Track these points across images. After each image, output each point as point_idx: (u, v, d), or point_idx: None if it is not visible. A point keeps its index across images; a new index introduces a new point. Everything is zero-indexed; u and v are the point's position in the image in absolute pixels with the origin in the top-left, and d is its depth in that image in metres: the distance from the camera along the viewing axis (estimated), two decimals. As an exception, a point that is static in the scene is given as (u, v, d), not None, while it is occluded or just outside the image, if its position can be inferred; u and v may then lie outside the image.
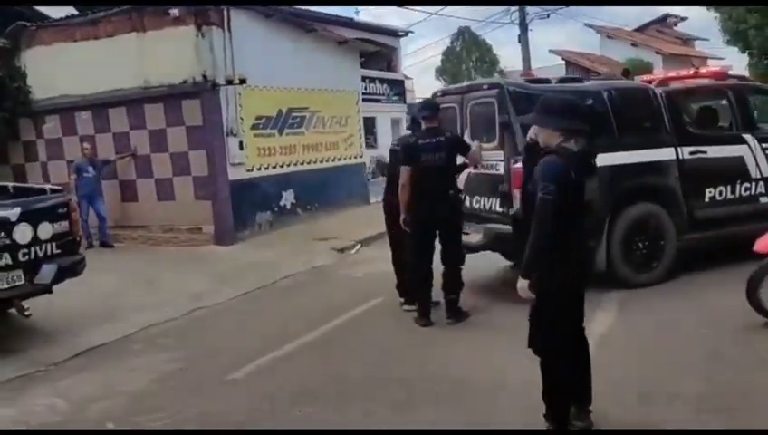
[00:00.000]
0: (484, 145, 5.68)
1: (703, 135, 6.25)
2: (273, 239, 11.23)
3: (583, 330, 3.56)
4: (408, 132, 6.20)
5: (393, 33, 22.30)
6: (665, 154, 6.00)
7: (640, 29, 40.18)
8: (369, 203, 14.67)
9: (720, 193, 6.22)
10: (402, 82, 24.37)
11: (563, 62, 33.59)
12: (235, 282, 8.36)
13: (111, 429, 4.34)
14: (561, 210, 3.12)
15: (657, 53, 35.50)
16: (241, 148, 11.09)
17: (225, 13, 10.64)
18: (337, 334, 5.99)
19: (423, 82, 60.03)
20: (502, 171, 5.74)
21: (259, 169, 11.65)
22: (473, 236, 6.15)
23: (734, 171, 6.29)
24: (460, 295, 5.83)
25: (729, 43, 32.24)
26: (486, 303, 6.27)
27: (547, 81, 6.04)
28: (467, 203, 5.89)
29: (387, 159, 21.93)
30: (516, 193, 5.56)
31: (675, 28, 42.04)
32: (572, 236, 3.28)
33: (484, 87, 5.82)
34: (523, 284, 3.26)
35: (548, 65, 29.25)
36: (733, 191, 6.27)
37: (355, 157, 14.27)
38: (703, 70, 6.62)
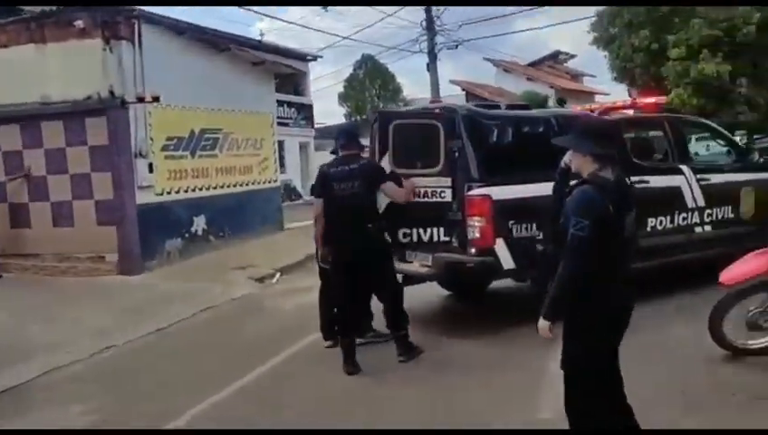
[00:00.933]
0: (420, 171, 5.41)
1: (645, 165, 6.30)
2: (184, 268, 10.48)
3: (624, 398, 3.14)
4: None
5: (301, 57, 22.02)
6: (610, 184, 5.97)
7: (534, 64, 42.01)
8: (284, 229, 14.19)
9: (660, 223, 6.29)
10: (311, 106, 24.13)
11: (463, 92, 34.55)
12: (147, 316, 7.63)
13: (111, 429, 4.26)
14: (596, 249, 2.80)
15: (551, 87, 37.28)
16: (150, 170, 10.34)
17: (136, 27, 9.93)
18: (277, 378, 5.44)
19: (322, 108, 60.09)
20: (449, 198, 5.48)
21: (169, 192, 10.90)
22: (417, 266, 5.84)
23: (673, 201, 6.39)
24: (408, 330, 5.45)
25: (617, 80, 34.46)
26: (435, 337, 5.94)
27: (497, 106, 5.89)
28: (405, 233, 5.46)
29: (294, 184, 21.50)
30: (476, 221, 5.32)
31: (565, 64, 44.42)
32: (610, 279, 2.93)
33: (437, 111, 5.56)
34: (544, 324, 2.95)
35: (449, 95, 29.88)
36: (672, 221, 6.36)
37: (270, 181, 13.74)
38: (640, 101, 6.72)
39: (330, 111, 58.95)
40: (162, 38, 10.74)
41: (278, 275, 10.02)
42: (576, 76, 44.03)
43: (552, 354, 4.43)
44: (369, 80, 40.15)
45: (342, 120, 41.14)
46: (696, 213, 6.51)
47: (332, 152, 5.76)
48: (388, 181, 5.08)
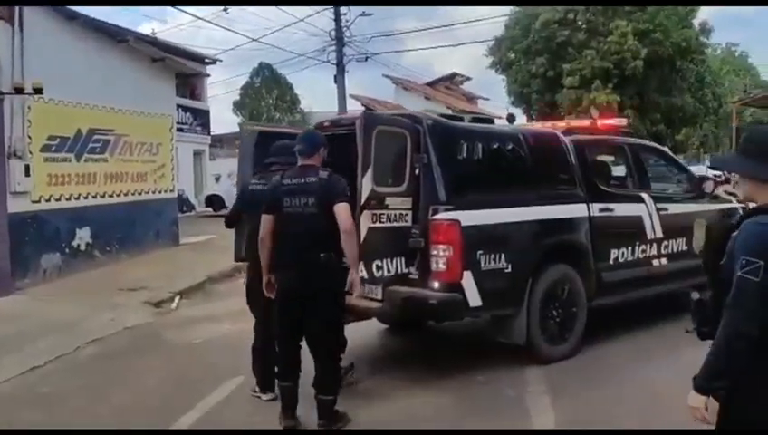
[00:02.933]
0: (384, 190, 4.50)
1: (608, 191, 5.82)
2: (64, 289, 8.99)
3: None
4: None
5: (200, 58, 20.67)
6: (579, 210, 5.44)
7: (431, 84, 42.41)
8: (179, 244, 12.86)
9: (622, 254, 5.82)
10: (207, 112, 22.72)
11: (363, 107, 34.19)
12: (14, 351, 6.21)
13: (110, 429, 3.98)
14: None
15: (448, 107, 37.62)
16: (27, 173, 8.86)
17: (17, 8, 8.48)
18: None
19: (214, 115, 57.36)
20: (409, 222, 4.66)
21: (48, 200, 9.42)
22: (361, 299, 4.93)
23: (635, 232, 5.95)
24: (337, 397, 4.29)
25: (514, 104, 35.43)
26: (374, 385, 5.06)
27: (460, 118, 5.18)
28: (364, 267, 4.33)
29: (186, 194, 19.89)
30: (441, 251, 4.55)
31: (461, 86, 45.23)
32: None
33: (399, 119, 4.70)
34: (699, 401, 2.17)
35: (348, 109, 29.33)
36: (632, 253, 5.90)
37: (165, 190, 12.40)
38: (600, 122, 6.26)
39: (222, 120, 56.60)
40: (49, 22, 9.34)
41: (177, 299, 8.77)
42: (472, 98, 44.92)
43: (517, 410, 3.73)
44: (266, 89, 38.89)
45: (236, 130, 39.70)
46: (655, 245, 6.10)
47: (268, 165, 4.76)
48: (344, 202, 4.07)
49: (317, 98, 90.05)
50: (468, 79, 45.96)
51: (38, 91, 8.49)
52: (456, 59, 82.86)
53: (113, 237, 10.81)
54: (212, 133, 24.69)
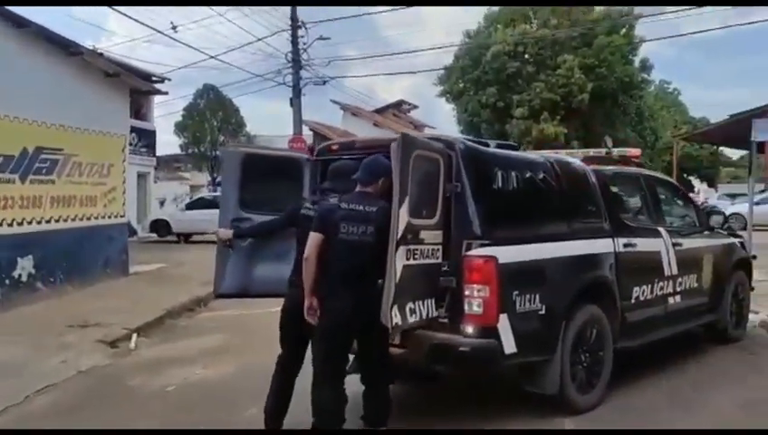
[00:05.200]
0: (419, 222, 3.98)
1: (631, 225, 5.44)
2: (4, 326, 7.98)
3: None
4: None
5: (146, 77, 19.61)
6: (606, 245, 5.02)
7: (379, 111, 42.33)
8: (129, 274, 11.90)
9: (643, 292, 5.43)
10: (153, 132, 21.66)
11: (311, 132, 33.67)
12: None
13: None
14: None
15: (395, 133, 37.49)
16: (-36, 196, 7.88)
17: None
18: None
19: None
20: (439, 259, 4.12)
21: (-12, 225, 8.43)
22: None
23: (655, 267, 5.59)
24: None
25: (463, 132, 35.61)
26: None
27: (486, 144, 4.69)
28: (398, 311, 3.76)
29: (129, 219, 18.77)
30: (476, 291, 4.02)
31: (408, 114, 45.33)
32: None
33: (433, 143, 4.16)
34: None
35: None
36: (651, 291, 5.53)
37: (116, 215, 11.46)
38: (615, 151, 5.93)
39: (161, 141, 54.66)
40: (-6, 29, 8.44)
41: (135, 337, 7.87)
42: (418, 126, 45.03)
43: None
44: (210, 111, 37.77)
45: (178, 151, 38.36)
46: (671, 282, 5.76)
47: (324, 190, 4.40)
48: None
49: (263, 122, 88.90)
50: (416, 107, 46.19)
51: (-18, 103, 7.62)
52: (400, 87, 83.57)
53: (58, 267, 9.87)
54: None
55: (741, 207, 19.10)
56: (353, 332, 3.97)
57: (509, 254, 4.17)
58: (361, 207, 3.89)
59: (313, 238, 3.92)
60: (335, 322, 3.90)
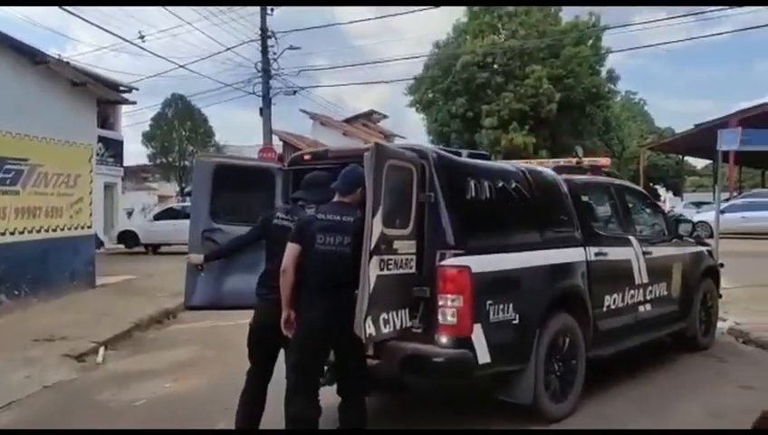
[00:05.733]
0: (392, 232, 3.96)
1: (602, 234, 5.50)
2: (-34, 341, 7.76)
3: None
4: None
5: (114, 86, 19.37)
6: (578, 254, 5.07)
7: (348, 120, 42.35)
8: (95, 286, 11.67)
9: (615, 301, 5.49)
10: (121, 142, 21.38)
11: (281, 142, 33.52)
12: None
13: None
14: None
15: (366, 142, 37.57)
16: (-75, 207, 7.66)
17: None
18: None
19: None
20: (413, 269, 4.10)
21: (-51, 237, 8.21)
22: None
23: (625, 276, 5.65)
24: None
25: (433, 142, 35.77)
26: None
27: (458, 153, 4.70)
28: (372, 322, 3.73)
29: (96, 230, 18.40)
30: (450, 301, 4.02)
31: (378, 124, 45.42)
32: None
33: (406, 152, 4.15)
34: None
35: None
36: (623, 299, 5.59)
37: (83, 226, 11.25)
38: (586, 161, 6.00)
39: (129, 151, 53.78)
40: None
41: (102, 350, 7.71)
42: (388, 136, 45.11)
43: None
44: (179, 121, 37.35)
45: (146, 161, 37.84)
46: (641, 290, 5.83)
47: (296, 200, 4.35)
48: None
49: (233, 131, 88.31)
50: (385, 117, 46.29)
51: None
52: (370, 96, 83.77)
53: (23, 280, 9.67)
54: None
55: (706, 215, 19.51)
56: (329, 342, 3.93)
57: (482, 263, 4.18)
58: (339, 218, 3.87)
59: (291, 250, 3.89)
60: (311, 332, 3.87)
